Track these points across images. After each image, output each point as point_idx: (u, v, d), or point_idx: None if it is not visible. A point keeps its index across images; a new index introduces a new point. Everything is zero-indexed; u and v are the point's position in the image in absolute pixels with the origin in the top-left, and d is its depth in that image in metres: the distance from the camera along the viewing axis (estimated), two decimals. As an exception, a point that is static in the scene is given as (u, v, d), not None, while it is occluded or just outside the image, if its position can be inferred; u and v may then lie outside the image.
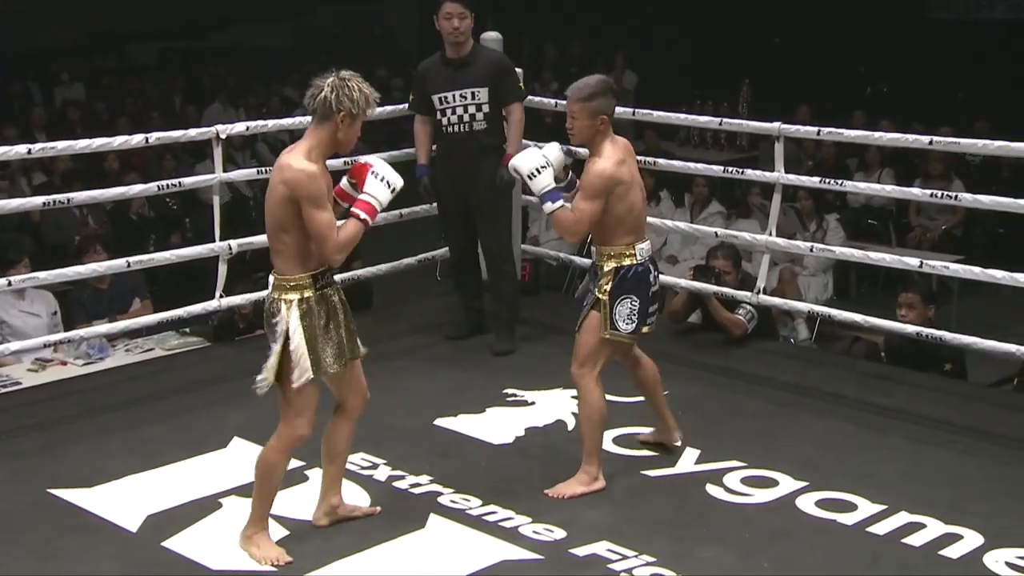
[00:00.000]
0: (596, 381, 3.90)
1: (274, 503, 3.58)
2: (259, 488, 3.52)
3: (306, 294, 3.38)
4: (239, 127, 5.39)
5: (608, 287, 3.85)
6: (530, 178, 3.83)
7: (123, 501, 3.87)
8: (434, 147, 5.39)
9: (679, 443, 4.27)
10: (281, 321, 3.38)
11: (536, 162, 3.82)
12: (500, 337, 5.36)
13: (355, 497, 3.91)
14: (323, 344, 3.41)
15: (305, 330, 3.37)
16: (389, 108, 5.93)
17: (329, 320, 3.43)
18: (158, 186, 5.14)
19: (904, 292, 5.28)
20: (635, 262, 3.86)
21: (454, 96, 5.23)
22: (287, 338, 3.38)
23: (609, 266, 3.86)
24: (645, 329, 3.94)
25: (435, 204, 5.60)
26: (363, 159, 3.52)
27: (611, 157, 3.79)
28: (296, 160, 3.33)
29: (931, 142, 5.00)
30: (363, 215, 3.40)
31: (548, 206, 3.82)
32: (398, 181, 3.46)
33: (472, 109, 5.22)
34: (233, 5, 15.55)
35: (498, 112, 5.28)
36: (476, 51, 5.29)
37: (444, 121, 5.26)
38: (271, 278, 3.44)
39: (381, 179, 3.42)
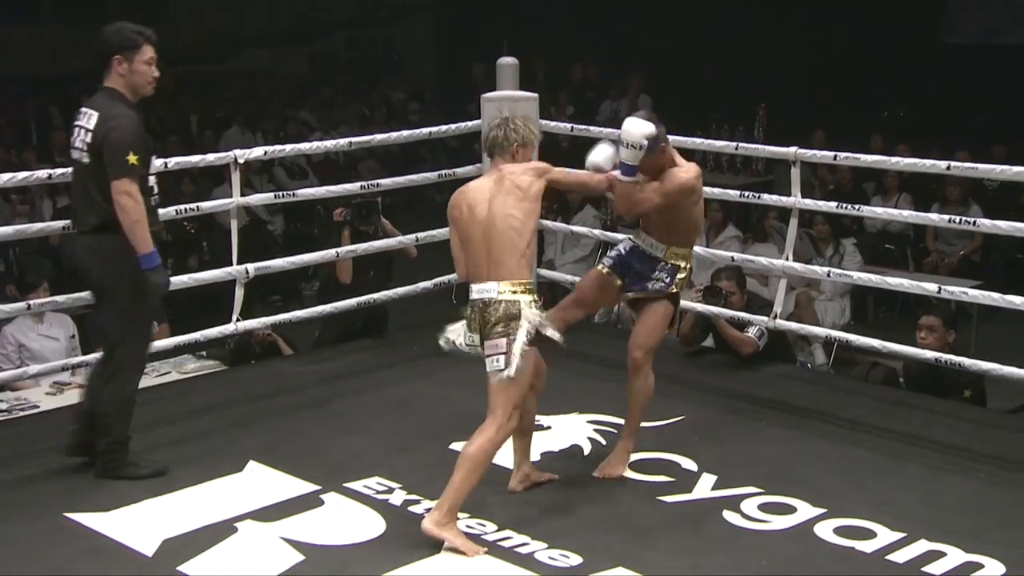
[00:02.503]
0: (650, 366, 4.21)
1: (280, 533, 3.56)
2: (466, 480, 3.68)
3: (535, 296, 3.79)
4: (257, 152, 5.42)
5: (680, 287, 4.17)
6: (627, 146, 3.95)
7: (139, 525, 3.87)
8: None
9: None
10: (523, 319, 3.71)
11: (645, 129, 3.93)
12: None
13: (369, 522, 3.90)
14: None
15: (540, 331, 3.75)
16: (406, 133, 5.98)
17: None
18: (176, 210, 5.17)
19: (925, 315, 5.26)
20: (689, 267, 4.24)
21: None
22: (530, 338, 3.71)
23: (682, 264, 4.16)
24: None
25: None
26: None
27: (691, 171, 4.11)
28: (518, 166, 3.88)
29: (949, 167, 5.00)
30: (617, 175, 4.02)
31: (617, 174, 4.03)
32: (610, 150, 4.03)
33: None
34: (249, 30, 15.70)
35: None
36: None
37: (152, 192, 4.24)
38: (496, 284, 3.75)
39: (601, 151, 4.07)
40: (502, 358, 3.70)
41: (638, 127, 3.91)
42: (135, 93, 4.12)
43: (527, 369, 3.73)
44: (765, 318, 5.38)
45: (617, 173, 4.02)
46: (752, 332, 5.43)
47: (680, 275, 4.16)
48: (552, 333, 3.79)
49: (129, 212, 3.99)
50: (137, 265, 4.03)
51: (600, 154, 4.11)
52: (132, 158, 3.99)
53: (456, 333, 3.92)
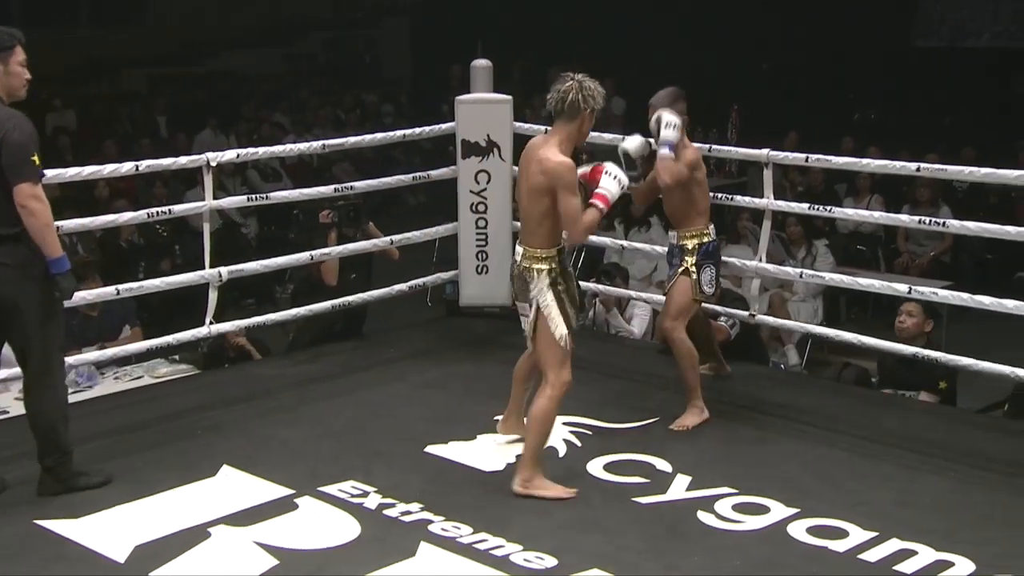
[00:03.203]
0: (684, 332, 4.75)
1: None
2: (536, 438, 4.05)
3: (552, 265, 4.00)
4: (229, 155, 5.38)
5: (693, 260, 4.78)
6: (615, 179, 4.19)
7: (110, 531, 3.82)
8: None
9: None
10: (535, 286, 4.00)
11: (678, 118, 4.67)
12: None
13: (343, 526, 3.87)
14: (569, 304, 4.03)
15: (555, 294, 3.99)
16: (380, 135, 5.96)
17: (568, 284, 4.06)
18: (147, 214, 5.13)
19: (906, 302, 5.29)
20: (712, 238, 4.85)
21: None
22: (543, 303, 3.99)
23: (692, 243, 4.81)
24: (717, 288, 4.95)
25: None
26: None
27: (696, 149, 4.82)
28: (553, 154, 3.91)
29: (918, 169, 5.03)
30: (600, 204, 4.00)
31: (665, 151, 4.65)
32: (626, 180, 4.08)
33: None
34: (224, 32, 15.60)
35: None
36: None
37: None
38: (520, 249, 4.06)
39: (614, 177, 4.04)
40: (525, 321, 4.07)
41: (674, 116, 4.65)
42: (10, 95, 3.97)
43: (546, 331, 3.98)
44: (745, 312, 5.40)
45: (665, 151, 4.62)
46: (723, 321, 5.50)
47: (688, 255, 4.79)
48: (553, 310, 4.00)
49: (39, 216, 3.84)
50: (46, 271, 3.91)
51: (632, 143, 4.70)
52: (36, 158, 3.85)
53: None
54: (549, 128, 4.07)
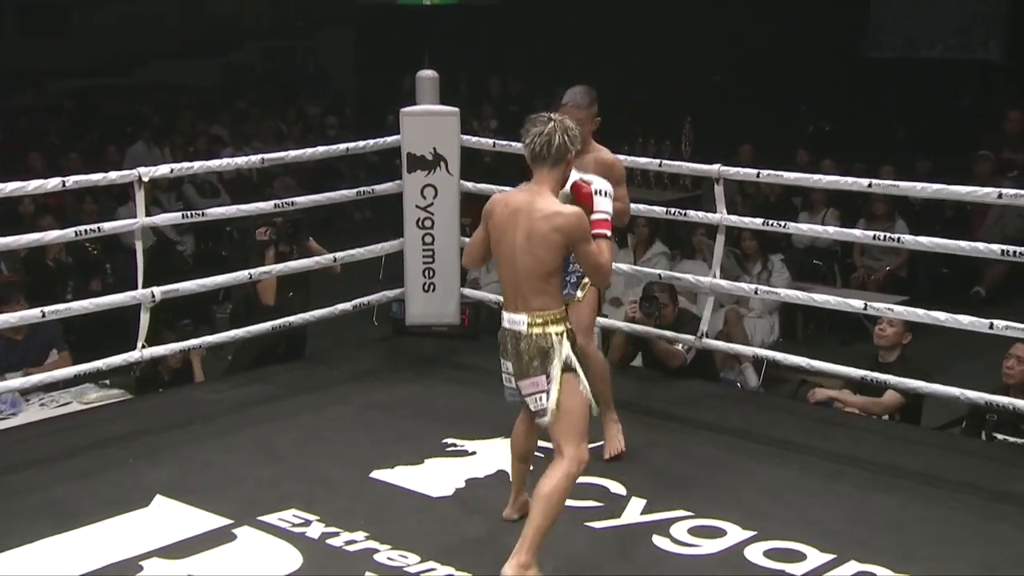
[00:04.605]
0: (595, 345, 4.54)
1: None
2: (545, 520, 3.54)
3: (569, 325, 3.63)
4: (163, 170, 5.23)
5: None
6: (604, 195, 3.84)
7: (36, 566, 3.72)
8: None
9: None
10: (556, 352, 3.56)
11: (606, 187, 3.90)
12: None
13: (284, 557, 3.76)
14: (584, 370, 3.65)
15: (579, 358, 3.60)
16: (322, 148, 5.82)
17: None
18: (76, 231, 4.98)
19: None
20: None
21: None
22: (568, 367, 3.57)
23: None
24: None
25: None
26: (581, 177, 3.77)
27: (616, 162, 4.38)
28: (558, 205, 3.55)
29: (870, 185, 5.02)
30: (608, 232, 3.69)
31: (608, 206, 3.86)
32: (610, 187, 3.77)
33: None
34: (157, 41, 15.18)
35: None
36: None
37: None
38: (521, 317, 3.59)
39: (604, 194, 3.72)
40: (544, 396, 3.57)
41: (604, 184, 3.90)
42: None
43: (577, 398, 3.57)
44: (692, 337, 5.33)
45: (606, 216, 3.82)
46: (679, 346, 5.42)
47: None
48: (580, 373, 3.59)
49: None
50: None
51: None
52: None
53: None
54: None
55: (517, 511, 3.96)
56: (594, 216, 3.66)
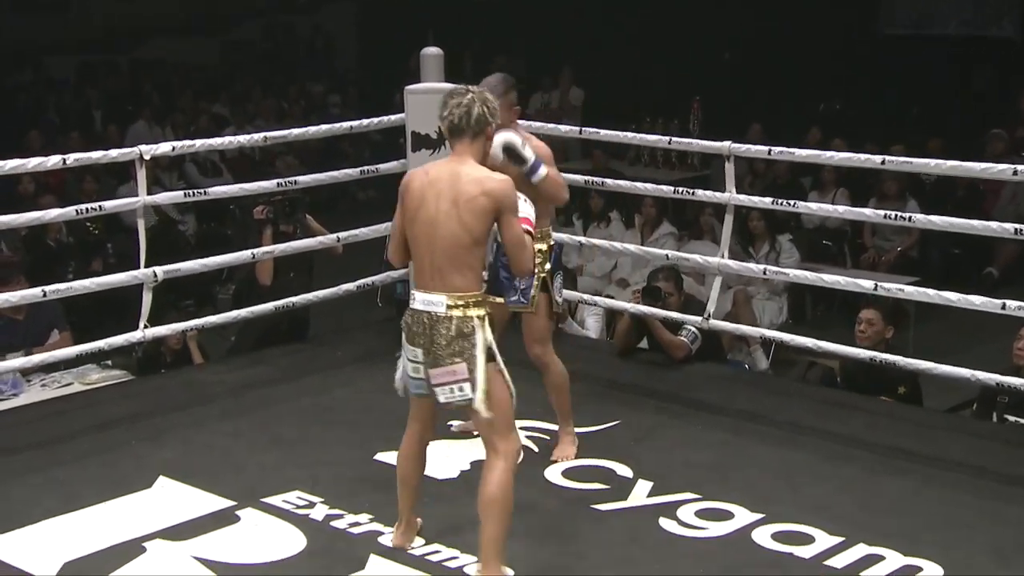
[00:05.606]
0: (554, 353, 4.30)
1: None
2: (499, 527, 3.35)
3: (488, 310, 3.38)
4: (164, 147, 5.20)
5: (548, 266, 4.25)
6: (524, 147, 3.94)
7: (38, 547, 3.70)
8: None
9: None
10: (478, 338, 3.31)
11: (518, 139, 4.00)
12: None
13: (288, 539, 3.76)
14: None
15: (494, 344, 3.37)
16: (325, 127, 5.78)
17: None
18: (76, 210, 4.94)
19: (864, 308, 5.23)
20: (553, 242, 4.33)
21: None
22: (491, 355, 3.35)
23: (543, 247, 4.20)
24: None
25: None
26: (510, 137, 3.80)
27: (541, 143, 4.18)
28: (487, 172, 3.38)
29: (883, 162, 4.97)
30: (532, 230, 3.53)
31: (542, 170, 4.02)
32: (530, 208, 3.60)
33: None
34: (156, 18, 15.05)
35: None
36: None
37: None
38: (438, 297, 3.32)
39: (524, 200, 3.53)
40: (462, 386, 3.30)
41: (515, 138, 4.00)
42: None
43: (501, 388, 3.36)
44: (699, 318, 5.27)
45: (543, 170, 4.02)
46: (684, 335, 5.34)
47: (538, 258, 4.07)
48: (500, 360, 3.38)
49: None
50: None
51: (505, 135, 3.94)
52: None
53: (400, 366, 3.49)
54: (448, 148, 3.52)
55: (409, 540, 3.69)
56: (521, 214, 3.46)
